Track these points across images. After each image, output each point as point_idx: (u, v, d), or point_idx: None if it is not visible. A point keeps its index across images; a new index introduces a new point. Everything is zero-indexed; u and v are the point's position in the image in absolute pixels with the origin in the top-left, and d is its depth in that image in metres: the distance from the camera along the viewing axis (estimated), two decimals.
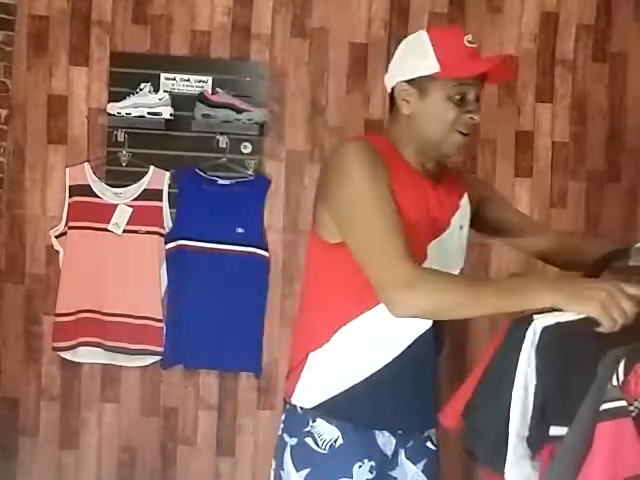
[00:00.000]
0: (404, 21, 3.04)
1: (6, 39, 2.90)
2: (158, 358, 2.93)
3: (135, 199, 2.92)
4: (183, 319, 2.91)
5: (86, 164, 2.94)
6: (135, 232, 2.92)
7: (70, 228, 2.91)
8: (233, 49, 3.00)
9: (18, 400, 3.01)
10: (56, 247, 2.94)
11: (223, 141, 2.91)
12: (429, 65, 1.56)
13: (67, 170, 2.94)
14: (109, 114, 2.86)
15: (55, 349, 2.94)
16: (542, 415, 1.27)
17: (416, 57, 1.59)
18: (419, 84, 1.58)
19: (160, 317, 2.92)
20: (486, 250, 3.08)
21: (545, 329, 1.28)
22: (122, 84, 2.90)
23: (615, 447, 1.17)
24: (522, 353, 1.30)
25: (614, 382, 1.21)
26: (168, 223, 2.92)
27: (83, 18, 2.96)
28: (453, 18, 3.05)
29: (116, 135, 2.90)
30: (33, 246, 2.99)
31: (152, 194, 2.92)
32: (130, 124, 2.85)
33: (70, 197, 2.92)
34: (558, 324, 1.29)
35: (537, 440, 1.28)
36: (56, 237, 2.94)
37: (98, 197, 2.92)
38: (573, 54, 3.10)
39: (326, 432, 1.60)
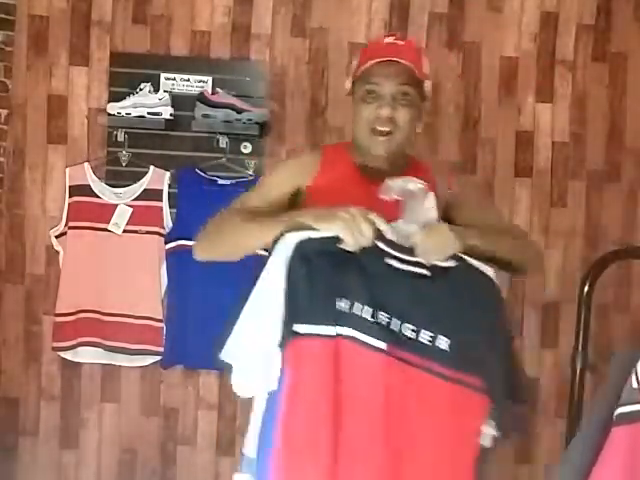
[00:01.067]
0: (404, 21, 3.04)
1: (6, 39, 2.90)
2: (158, 358, 2.93)
3: (135, 199, 2.92)
4: (183, 319, 2.91)
5: (86, 164, 2.94)
6: (135, 232, 2.92)
7: (70, 228, 2.91)
8: (233, 49, 3.00)
9: (18, 400, 3.01)
10: (56, 247, 2.94)
11: (223, 141, 2.91)
12: (352, 71, 1.72)
13: (67, 170, 2.94)
14: (109, 114, 2.86)
15: (55, 349, 2.94)
16: (289, 315, 1.43)
17: (351, 68, 1.74)
18: (351, 92, 1.72)
19: (160, 317, 2.92)
20: None
21: (299, 243, 1.45)
22: (122, 84, 2.90)
23: (632, 452, 1.15)
24: (276, 264, 1.46)
25: (634, 385, 1.19)
26: (168, 223, 2.92)
27: (83, 18, 2.96)
28: (453, 18, 3.05)
29: (116, 135, 2.90)
30: (33, 246, 2.99)
31: (152, 194, 2.92)
32: (130, 124, 2.85)
33: (70, 197, 2.92)
34: (310, 239, 1.45)
35: (284, 337, 1.43)
36: (56, 237, 2.94)
37: (98, 197, 2.92)
38: (573, 54, 3.10)
39: None
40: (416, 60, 1.68)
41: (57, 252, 2.94)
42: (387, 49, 1.66)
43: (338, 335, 1.43)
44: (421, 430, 1.45)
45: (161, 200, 2.93)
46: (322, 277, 1.44)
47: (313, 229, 1.46)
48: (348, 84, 1.74)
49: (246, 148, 2.95)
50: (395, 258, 1.46)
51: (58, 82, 2.98)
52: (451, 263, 1.48)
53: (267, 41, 3.01)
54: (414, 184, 1.48)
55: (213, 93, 2.87)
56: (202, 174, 2.93)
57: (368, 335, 1.43)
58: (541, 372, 3.12)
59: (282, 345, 1.43)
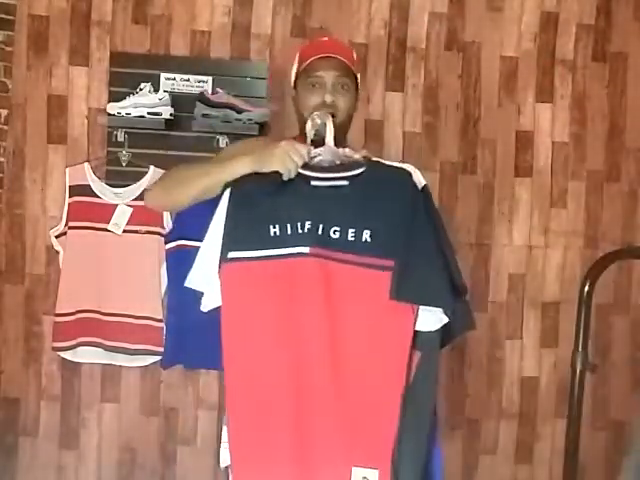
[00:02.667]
0: (404, 21, 3.05)
1: (6, 39, 2.90)
2: (158, 358, 2.92)
3: (135, 199, 2.92)
4: (183, 319, 2.90)
5: (86, 164, 2.94)
6: (135, 232, 2.91)
7: (70, 228, 2.91)
8: (233, 49, 3.00)
9: (18, 400, 3.01)
10: (56, 247, 2.94)
11: (223, 141, 2.90)
12: (295, 68, 1.98)
13: (67, 170, 2.94)
14: (109, 114, 2.85)
15: (55, 349, 2.93)
16: (225, 244, 1.69)
17: (293, 66, 2.00)
18: (294, 86, 1.98)
19: (160, 317, 2.92)
20: (486, 250, 3.08)
21: (241, 178, 1.73)
22: (122, 84, 2.90)
23: None
24: (222, 199, 1.74)
25: None
26: (168, 223, 2.92)
27: (83, 18, 2.96)
28: (453, 18, 3.05)
29: (116, 135, 2.90)
30: (33, 246, 2.99)
31: None
32: (130, 124, 2.85)
33: (70, 197, 2.92)
34: (249, 175, 1.72)
35: (220, 261, 1.69)
36: (56, 237, 2.93)
37: (98, 197, 2.92)
38: (573, 54, 3.10)
39: None
40: (349, 56, 1.96)
41: (57, 252, 2.94)
42: (324, 46, 1.95)
43: (268, 257, 1.66)
44: (354, 318, 1.63)
45: None
46: (257, 208, 1.69)
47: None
48: (292, 81, 1.99)
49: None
50: (318, 179, 1.69)
51: (58, 82, 2.97)
52: (363, 168, 1.70)
53: (267, 41, 3.01)
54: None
55: (213, 93, 2.87)
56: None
57: (294, 246, 1.66)
58: (541, 372, 3.12)
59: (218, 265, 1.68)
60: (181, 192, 1.83)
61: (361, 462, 1.60)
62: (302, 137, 1.92)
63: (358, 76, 1.98)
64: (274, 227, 1.67)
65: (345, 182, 1.69)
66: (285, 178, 1.69)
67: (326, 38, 2.04)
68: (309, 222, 1.66)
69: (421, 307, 1.63)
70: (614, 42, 3.10)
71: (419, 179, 1.71)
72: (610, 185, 3.13)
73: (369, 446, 1.60)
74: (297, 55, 1.99)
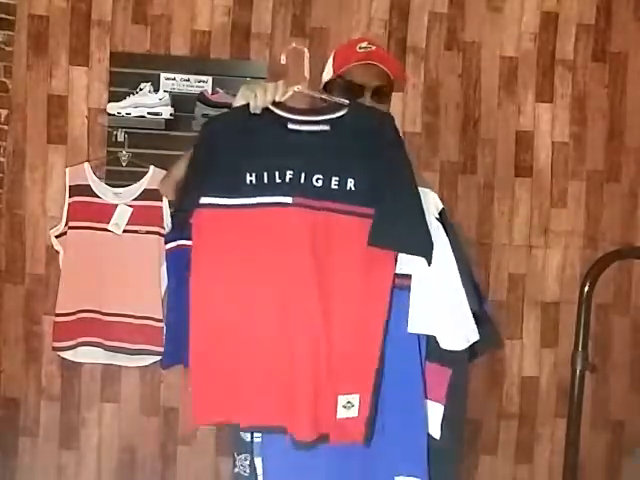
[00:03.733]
0: (404, 21, 3.05)
1: (6, 39, 2.91)
2: (158, 358, 2.92)
3: (135, 199, 2.92)
4: (183, 319, 2.90)
5: (86, 164, 2.94)
6: (135, 232, 2.92)
7: (70, 228, 2.91)
8: (233, 49, 3.00)
9: (18, 400, 3.01)
10: (56, 247, 2.94)
11: None
12: (330, 71, 1.95)
13: (67, 170, 2.94)
14: (109, 114, 2.85)
15: (55, 349, 2.93)
16: (196, 185, 1.66)
17: (326, 68, 1.99)
18: (328, 89, 1.93)
19: (160, 317, 2.92)
20: (486, 249, 3.08)
21: (209, 120, 1.74)
22: (122, 84, 2.90)
23: None
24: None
25: None
26: (168, 223, 2.92)
27: (83, 18, 2.96)
28: (453, 18, 3.05)
29: (116, 135, 2.90)
30: (33, 246, 2.99)
31: (152, 194, 2.92)
32: (130, 124, 2.85)
33: (70, 197, 2.92)
34: (220, 114, 1.75)
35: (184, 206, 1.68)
36: (56, 237, 2.93)
37: (98, 197, 2.92)
38: (573, 54, 3.10)
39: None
40: (389, 63, 1.93)
41: (57, 252, 2.94)
42: (365, 54, 1.90)
43: (246, 205, 1.63)
44: (339, 265, 1.63)
45: (161, 200, 2.92)
46: (229, 150, 1.64)
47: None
48: (323, 82, 1.97)
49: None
50: (296, 122, 1.66)
51: (58, 82, 2.98)
52: (344, 110, 1.66)
53: (267, 41, 3.01)
54: None
55: (213, 93, 2.87)
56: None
57: (274, 196, 1.63)
58: (541, 372, 3.12)
59: (180, 213, 1.69)
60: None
61: (346, 390, 1.63)
62: None
63: (402, 82, 1.98)
64: (250, 175, 1.63)
65: (326, 126, 1.65)
66: (252, 110, 1.66)
67: (365, 42, 1.94)
68: (290, 172, 1.63)
69: (445, 327, 1.63)
70: (614, 42, 3.10)
71: (437, 203, 1.69)
72: (610, 185, 3.13)
73: (353, 376, 1.64)
74: (332, 56, 1.97)
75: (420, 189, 1.66)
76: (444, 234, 1.64)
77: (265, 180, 1.64)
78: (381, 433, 1.64)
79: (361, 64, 1.87)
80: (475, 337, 1.62)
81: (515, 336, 3.11)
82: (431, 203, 1.66)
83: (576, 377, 2.02)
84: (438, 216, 1.66)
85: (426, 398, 1.65)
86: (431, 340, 1.65)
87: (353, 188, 1.62)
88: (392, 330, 1.63)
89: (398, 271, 1.64)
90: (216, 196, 1.64)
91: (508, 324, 3.09)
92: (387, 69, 1.90)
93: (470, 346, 1.64)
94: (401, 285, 1.64)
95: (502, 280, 3.09)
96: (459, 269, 1.64)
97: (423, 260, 1.60)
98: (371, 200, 1.61)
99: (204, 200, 1.65)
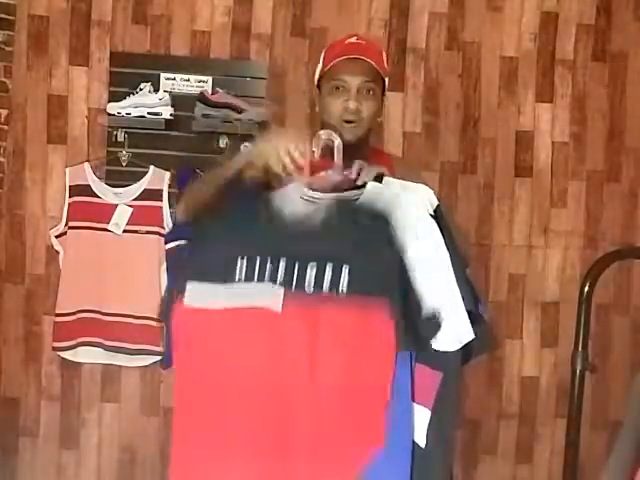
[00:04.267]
0: (404, 21, 3.04)
1: (6, 39, 2.90)
2: (158, 358, 2.92)
3: (135, 199, 2.92)
4: None
5: (86, 164, 2.94)
6: (135, 232, 2.92)
7: (70, 228, 2.91)
8: (233, 49, 3.00)
9: (18, 400, 3.01)
10: (56, 247, 2.94)
11: (223, 141, 2.91)
12: (319, 68, 1.87)
13: (67, 170, 2.94)
14: (109, 114, 2.85)
15: (55, 349, 2.93)
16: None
17: (318, 65, 1.90)
18: (319, 86, 1.86)
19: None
20: (486, 250, 3.08)
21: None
22: (122, 84, 2.90)
23: None
24: None
25: None
26: (168, 223, 2.92)
27: (83, 18, 2.96)
28: (453, 18, 3.05)
29: (116, 135, 2.90)
30: (33, 246, 2.99)
31: (152, 194, 2.92)
32: (130, 124, 2.85)
33: (70, 197, 2.92)
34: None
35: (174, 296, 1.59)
36: (56, 237, 2.93)
37: (98, 197, 2.92)
38: (573, 54, 3.10)
39: None
40: (378, 58, 1.83)
41: (57, 252, 2.94)
42: (351, 48, 1.81)
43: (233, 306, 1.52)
44: (336, 357, 1.49)
45: (161, 200, 2.93)
46: (226, 234, 1.56)
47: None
48: (316, 80, 1.89)
49: (246, 148, 2.94)
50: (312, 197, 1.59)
51: (58, 82, 2.97)
52: (361, 191, 1.58)
53: (267, 41, 3.01)
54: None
55: (213, 93, 2.87)
56: (202, 174, 2.92)
57: (262, 292, 1.51)
58: (541, 372, 3.12)
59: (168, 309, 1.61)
60: (200, 199, 1.72)
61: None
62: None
63: (386, 80, 1.86)
64: (243, 259, 1.53)
65: (334, 206, 1.58)
66: (282, 173, 1.57)
67: (354, 38, 1.85)
68: (284, 260, 1.52)
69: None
70: (614, 42, 3.10)
71: (431, 199, 1.60)
72: (610, 185, 3.13)
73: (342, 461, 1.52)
74: (322, 53, 1.90)
75: (413, 184, 1.60)
76: (438, 232, 1.56)
77: (255, 269, 1.53)
78: None
79: (347, 59, 1.78)
80: (469, 337, 1.52)
81: (515, 336, 3.11)
82: (425, 198, 1.59)
83: (576, 377, 2.02)
84: (432, 213, 1.58)
85: (413, 401, 1.53)
86: None
87: (348, 277, 1.50)
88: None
89: None
90: (200, 281, 1.55)
91: (508, 324, 3.09)
92: (375, 64, 1.80)
93: (463, 348, 1.55)
94: None
95: (502, 280, 3.09)
96: (454, 268, 1.55)
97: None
98: (370, 289, 1.50)
99: (189, 286, 1.55)
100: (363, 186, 1.59)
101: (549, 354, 3.12)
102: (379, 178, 1.60)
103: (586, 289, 1.99)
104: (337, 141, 1.62)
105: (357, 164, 1.61)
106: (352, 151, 1.74)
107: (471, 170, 3.07)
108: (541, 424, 3.11)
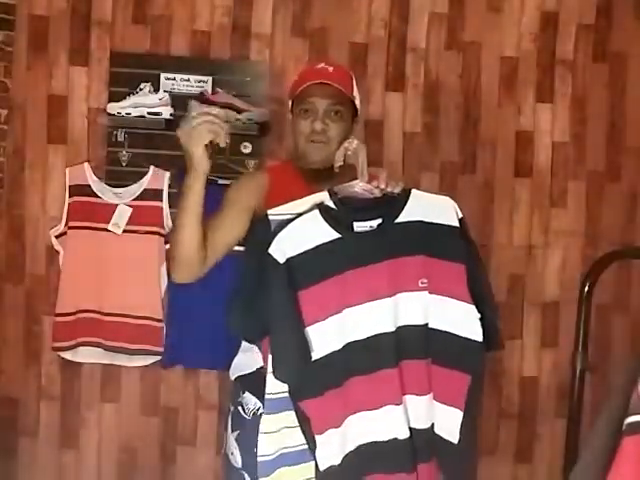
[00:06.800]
0: (404, 21, 3.04)
1: (6, 39, 2.90)
2: (158, 358, 2.93)
3: (135, 199, 2.92)
4: (183, 319, 2.91)
5: (86, 164, 2.94)
6: (135, 232, 2.91)
7: (70, 228, 2.91)
8: (233, 49, 3.00)
9: (18, 400, 3.01)
10: (56, 247, 2.94)
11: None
12: (290, 92, 1.95)
13: (67, 170, 2.94)
14: (109, 114, 2.85)
15: (55, 349, 2.93)
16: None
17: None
18: (291, 110, 1.94)
19: (160, 317, 2.92)
20: (486, 250, 3.08)
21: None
22: (122, 84, 2.90)
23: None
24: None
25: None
26: (168, 223, 2.92)
27: (83, 18, 2.96)
28: (453, 18, 3.05)
29: (116, 135, 2.90)
30: (33, 246, 2.99)
31: (152, 194, 2.92)
32: (130, 124, 2.85)
33: (70, 197, 2.92)
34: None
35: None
36: (56, 237, 2.93)
37: (98, 197, 2.92)
38: (573, 54, 3.10)
39: (250, 402, 1.90)
40: (346, 82, 1.91)
41: (57, 252, 2.94)
42: (319, 73, 1.89)
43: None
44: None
45: (161, 200, 2.93)
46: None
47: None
48: (289, 105, 1.96)
49: (246, 148, 2.95)
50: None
51: (58, 82, 2.97)
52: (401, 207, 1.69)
53: (267, 41, 3.01)
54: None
55: (213, 93, 2.87)
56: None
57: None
58: (541, 372, 3.12)
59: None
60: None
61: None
62: (291, 162, 1.97)
63: (357, 101, 1.93)
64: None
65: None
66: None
67: (322, 64, 1.94)
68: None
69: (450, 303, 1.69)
70: (614, 42, 3.10)
71: (457, 210, 1.72)
72: (610, 185, 3.13)
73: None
74: (294, 79, 1.96)
75: (436, 195, 1.72)
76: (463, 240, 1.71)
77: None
78: None
79: (314, 83, 1.85)
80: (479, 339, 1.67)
81: (515, 336, 3.11)
82: (452, 208, 1.70)
83: (576, 377, 2.02)
84: (458, 224, 1.70)
85: (445, 404, 1.69)
86: (452, 345, 1.67)
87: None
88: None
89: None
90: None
91: (508, 324, 3.09)
92: (342, 88, 1.87)
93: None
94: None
95: (502, 280, 3.09)
96: (480, 271, 1.72)
97: None
98: None
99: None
100: (396, 197, 1.69)
101: (549, 354, 3.12)
102: (406, 190, 1.71)
103: (586, 289, 1.99)
104: (355, 142, 1.72)
105: (384, 174, 1.70)
106: (327, 172, 1.85)
107: (471, 170, 3.07)
108: (541, 424, 3.11)
